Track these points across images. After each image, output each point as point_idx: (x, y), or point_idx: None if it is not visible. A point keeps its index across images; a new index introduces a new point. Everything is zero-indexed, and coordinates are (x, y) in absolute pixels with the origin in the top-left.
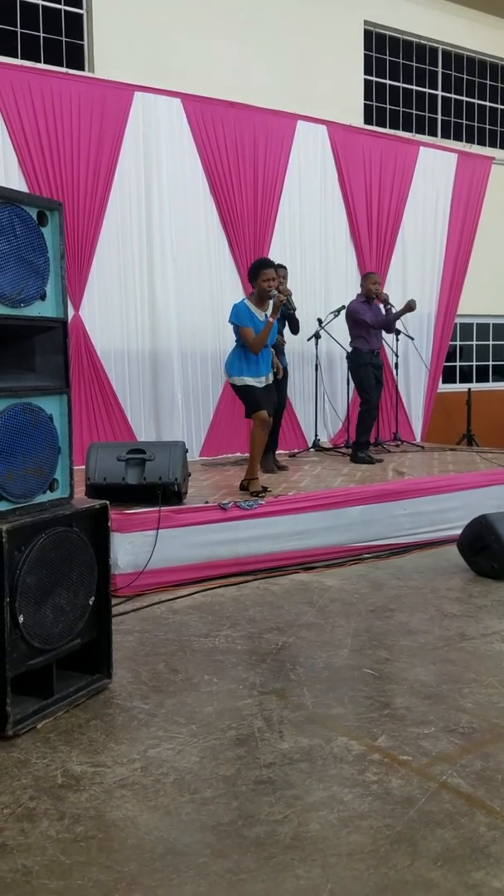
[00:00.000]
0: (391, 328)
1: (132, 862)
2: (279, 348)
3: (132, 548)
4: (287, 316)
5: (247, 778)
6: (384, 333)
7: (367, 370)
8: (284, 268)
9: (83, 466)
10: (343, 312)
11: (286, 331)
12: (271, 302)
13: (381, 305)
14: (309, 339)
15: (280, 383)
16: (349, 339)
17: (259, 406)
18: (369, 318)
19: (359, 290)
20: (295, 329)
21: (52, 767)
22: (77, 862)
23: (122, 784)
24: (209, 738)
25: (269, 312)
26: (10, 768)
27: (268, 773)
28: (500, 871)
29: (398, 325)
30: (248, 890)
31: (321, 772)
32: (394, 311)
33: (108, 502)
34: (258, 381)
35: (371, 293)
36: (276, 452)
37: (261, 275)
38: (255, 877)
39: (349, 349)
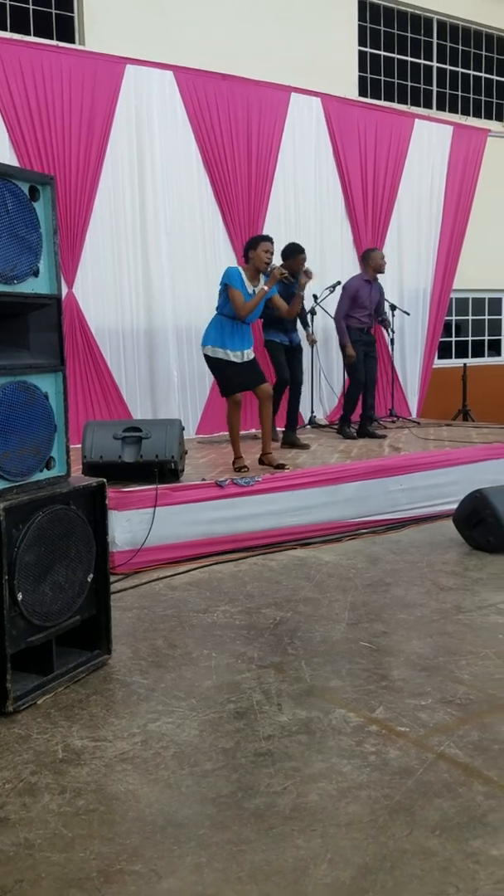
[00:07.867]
0: (381, 312)
1: (133, 834)
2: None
3: (130, 525)
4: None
5: (246, 750)
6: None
7: (356, 347)
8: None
9: (79, 445)
10: (339, 288)
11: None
12: (262, 278)
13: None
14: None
15: (293, 359)
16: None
17: (231, 388)
18: (367, 301)
19: (358, 268)
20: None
21: (52, 742)
22: (79, 835)
23: (123, 758)
24: (208, 711)
25: (262, 284)
26: (11, 744)
27: (267, 746)
28: (497, 838)
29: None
30: (248, 860)
31: (320, 743)
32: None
33: (105, 480)
34: (235, 356)
35: (380, 269)
36: (279, 429)
37: (261, 245)
38: (255, 847)
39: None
